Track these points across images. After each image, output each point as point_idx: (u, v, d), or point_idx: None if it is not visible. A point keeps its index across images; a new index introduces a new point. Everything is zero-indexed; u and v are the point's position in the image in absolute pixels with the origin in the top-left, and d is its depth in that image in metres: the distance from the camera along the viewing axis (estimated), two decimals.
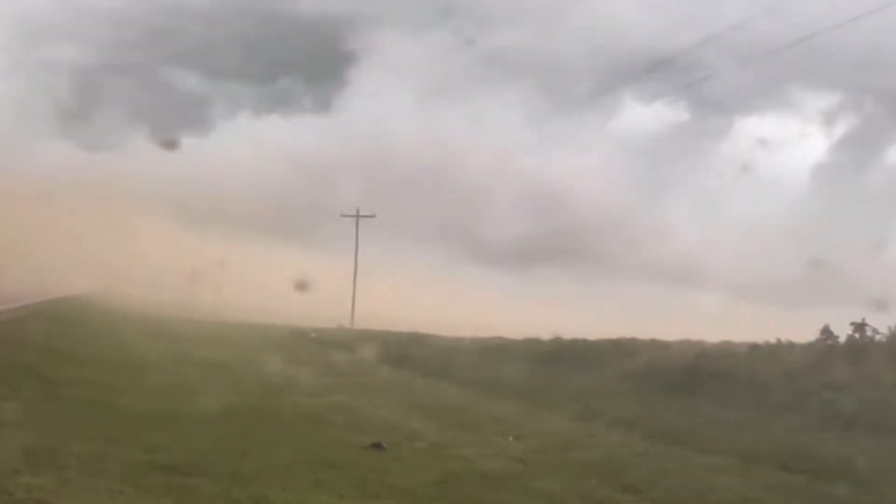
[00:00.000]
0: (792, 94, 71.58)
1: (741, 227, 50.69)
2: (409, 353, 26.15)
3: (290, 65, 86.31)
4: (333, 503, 8.02)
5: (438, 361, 24.04)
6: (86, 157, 61.11)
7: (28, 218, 49.34)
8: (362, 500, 8.25)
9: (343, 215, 55.90)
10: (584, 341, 24.10)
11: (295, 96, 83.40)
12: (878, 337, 17.74)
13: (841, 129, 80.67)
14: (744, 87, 65.60)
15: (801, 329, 19.97)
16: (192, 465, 8.40)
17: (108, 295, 47.65)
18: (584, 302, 47.23)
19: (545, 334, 26.51)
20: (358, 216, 55.93)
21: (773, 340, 19.44)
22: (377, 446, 10.87)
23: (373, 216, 55.87)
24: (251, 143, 64.96)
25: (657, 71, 63.65)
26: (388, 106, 62.70)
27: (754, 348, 19.27)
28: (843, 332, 18.41)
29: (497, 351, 25.81)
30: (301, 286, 29.79)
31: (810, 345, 18.54)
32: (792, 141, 77.10)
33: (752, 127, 65.38)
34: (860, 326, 17.78)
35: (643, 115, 68.14)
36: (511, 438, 12.58)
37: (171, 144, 41.53)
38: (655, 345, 22.60)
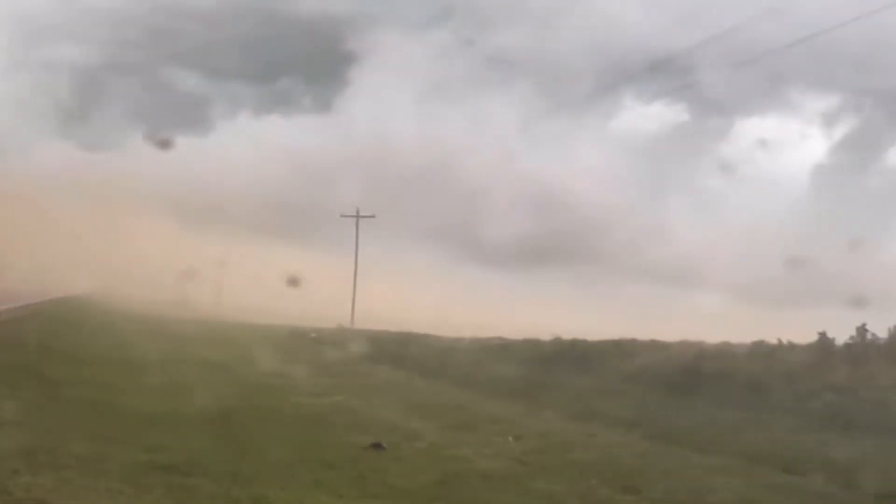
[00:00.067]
0: (792, 95, 71.65)
1: (741, 228, 50.68)
2: (408, 353, 26.18)
3: (290, 65, 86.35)
4: (333, 503, 8.03)
5: (438, 361, 24.06)
6: (86, 157, 61.17)
7: (28, 218, 49.40)
8: (362, 500, 8.24)
9: (343, 215, 55.92)
10: (584, 342, 24.13)
11: (295, 96, 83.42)
12: (877, 339, 17.76)
13: (841, 130, 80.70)
14: (744, 87, 65.59)
15: (800, 330, 20.00)
16: (192, 465, 8.40)
17: (107, 295, 47.68)
18: (584, 302, 47.26)
19: (545, 335, 26.55)
20: (358, 216, 55.95)
21: (772, 341, 19.47)
22: (377, 446, 10.87)
23: (372, 216, 55.89)
24: (251, 143, 65.06)
25: (657, 71, 63.51)
26: (388, 106, 62.69)
27: (754, 349, 19.30)
28: (842, 332, 18.44)
29: (497, 351, 25.82)
30: (293, 282, 29.87)
31: (810, 346, 18.55)
32: (792, 142, 77.21)
33: (752, 128, 65.48)
34: (861, 330, 17.80)
35: (643, 115, 68.23)
36: (511, 439, 12.57)
37: (165, 143, 41.62)
38: (655, 345, 22.63)
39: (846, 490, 10.07)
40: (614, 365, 20.08)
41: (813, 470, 10.75)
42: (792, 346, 18.91)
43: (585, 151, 58.86)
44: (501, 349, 26.12)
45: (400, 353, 26.33)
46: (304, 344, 32.87)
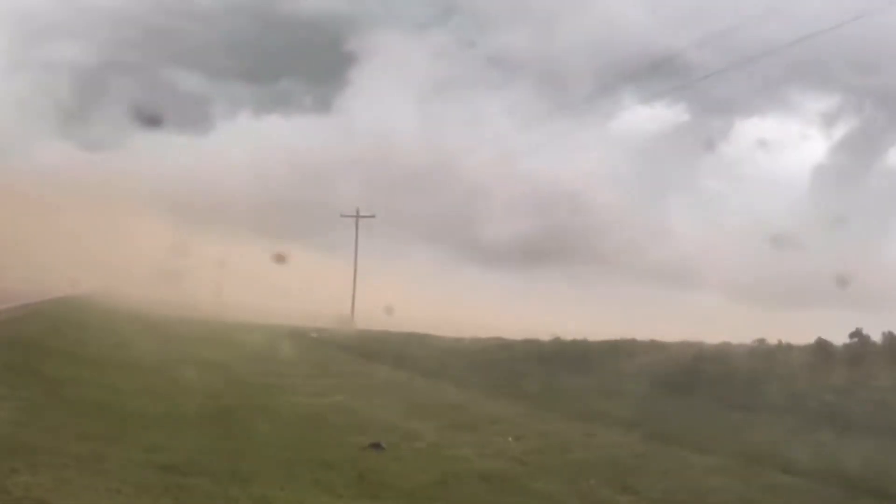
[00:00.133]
0: (792, 96, 71.79)
1: (740, 229, 50.72)
2: (408, 353, 26.19)
3: (291, 65, 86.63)
4: (332, 503, 8.03)
5: (438, 361, 24.06)
6: (85, 156, 61.27)
7: (28, 217, 49.40)
8: (361, 500, 8.25)
9: (343, 215, 55.94)
10: (584, 342, 24.18)
11: (295, 96, 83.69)
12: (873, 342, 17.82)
13: (841, 130, 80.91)
14: (744, 88, 65.66)
15: (799, 331, 20.03)
16: (191, 465, 8.41)
17: (108, 294, 47.63)
18: (584, 303, 47.28)
19: (545, 335, 26.60)
20: (358, 216, 55.94)
21: (771, 342, 19.50)
22: (376, 446, 10.88)
23: (372, 216, 55.89)
24: (251, 143, 65.10)
25: (657, 71, 63.59)
26: (388, 106, 62.76)
27: (752, 350, 19.33)
28: (841, 332, 18.48)
29: (496, 351, 25.83)
30: (280, 258, 30.25)
31: (808, 347, 18.58)
32: (792, 142, 77.24)
33: (752, 128, 65.52)
34: (857, 334, 17.85)
35: (643, 115, 68.25)
36: (510, 439, 12.58)
37: (154, 120, 41.74)
38: (654, 346, 22.66)
39: (844, 490, 10.08)
40: (614, 365, 20.11)
41: (811, 470, 10.76)
42: (790, 347, 18.95)
43: (585, 152, 58.92)
44: (501, 349, 26.14)
45: (400, 353, 26.35)
46: (304, 344, 32.87)
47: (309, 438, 11.55)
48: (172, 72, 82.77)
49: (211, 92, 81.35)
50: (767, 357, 18.36)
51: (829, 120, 78.37)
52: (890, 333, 17.82)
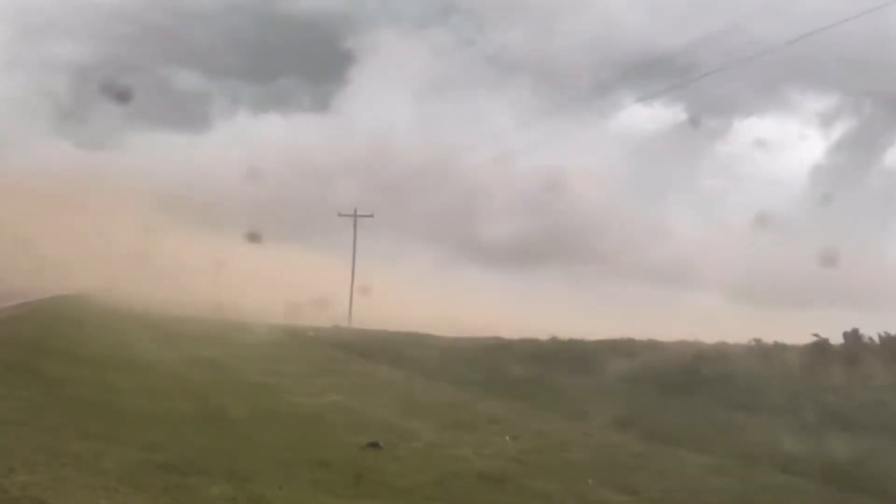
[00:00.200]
0: (790, 95, 71.85)
1: (739, 229, 50.69)
2: (406, 353, 26.16)
3: (289, 64, 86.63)
4: (331, 503, 8.03)
5: (436, 361, 24.04)
6: (85, 155, 61.21)
7: (26, 216, 49.31)
8: (359, 500, 8.25)
9: (341, 214, 55.90)
10: (582, 342, 24.18)
11: (294, 95, 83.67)
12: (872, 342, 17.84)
13: (839, 130, 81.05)
14: (742, 87, 65.70)
15: (798, 331, 20.04)
16: (190, 464, 8.40)
17: (106, 293, 47.59)
18: (582, 302, 47.29)
19: (543, 334, 26.60)
20: (356, 215, 55.90)
21: (769, 342, 19.51)
22: (374, 446, 10.89)
23: (371, 216, 55.83)
24: (250, 141, 65.03)
25: (657, 71, 63.67)
26: (387, 105, 62.75)
27: (751, 349, 19.34)
28: (840, 332, 18.49)
29: (495, 351, 25.81)
30: (254, 237, 30.95)
31: (806, 347, 18.60)
32: (790, 142, 77.37)
33: (751, 128, 65.60)
34: (853, 334, 17.88)
35: (642, 115, 68.25)
36: (508, 438, 12.58)
37: (124, 96, 41.75)
38: (652, 345, 22.68)
39: (843, 490, 10.09)
40: (612, 365, 20.09)
41: (810, 470, 10.77)
42: (789, 347, 18.96)
43: (584, 151, 58.87)
44: (499, 349, 26.12)
45: (398, 352, 26.32)
46: (302, 343, 32.85)
47: (307, 438, 11.55)
48: (171, 70, 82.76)
49: (209, 90, 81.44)
50: (766, 357, 18.38)
51: (827, 120, 78.66)
52: (887, 334, 17.86)
